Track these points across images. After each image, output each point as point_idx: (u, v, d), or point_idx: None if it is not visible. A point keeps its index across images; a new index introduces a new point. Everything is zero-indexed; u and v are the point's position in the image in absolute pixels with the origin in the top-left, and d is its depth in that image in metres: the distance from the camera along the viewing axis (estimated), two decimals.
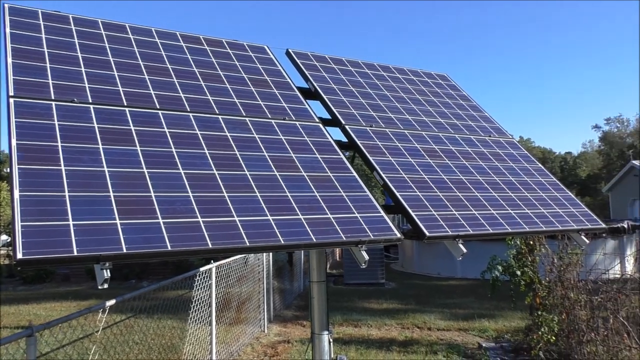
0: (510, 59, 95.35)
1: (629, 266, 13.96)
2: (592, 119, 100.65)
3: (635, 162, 32.97)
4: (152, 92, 2.97)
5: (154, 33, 3.55)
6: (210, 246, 2.21)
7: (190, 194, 2.41)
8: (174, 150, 2.63)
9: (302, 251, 12.25)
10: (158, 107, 2.88)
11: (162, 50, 3.41)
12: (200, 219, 2.30)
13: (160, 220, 2.21)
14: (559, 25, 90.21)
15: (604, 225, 3.79)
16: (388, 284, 14.49)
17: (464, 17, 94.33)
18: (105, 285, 2.00)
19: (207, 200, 2.42)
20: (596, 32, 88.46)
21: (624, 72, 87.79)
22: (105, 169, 2.32)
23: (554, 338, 6.56)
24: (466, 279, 14.96)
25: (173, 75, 3.21)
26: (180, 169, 2.54)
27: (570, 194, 3.98)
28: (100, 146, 2.43)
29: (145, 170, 2.42)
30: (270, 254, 9.80)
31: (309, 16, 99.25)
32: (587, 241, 3.67)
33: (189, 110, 2.97)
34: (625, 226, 15.69)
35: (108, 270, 1.98)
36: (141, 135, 2.62)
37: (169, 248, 2.10)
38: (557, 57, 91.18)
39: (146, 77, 3.07)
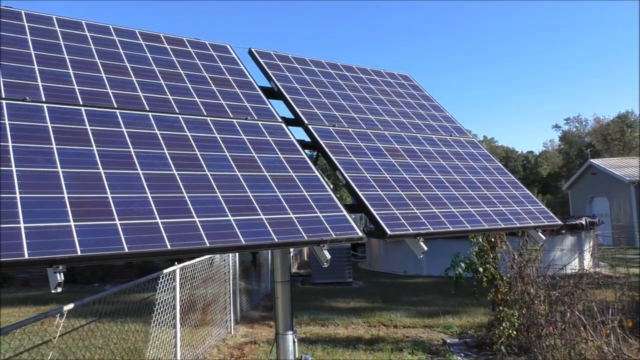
0: (475, 61, 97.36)
1: (587, 261, 14.46)
2: (553, 119, 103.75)
3: (593, 161, 34.15)
4: (109, 90, 2.91)
5: (112, 30, 3.47)
6: (169, 247, 2.18)
7: (149, 195, 2.37)
8: (132, 150, 2.58)
9: (269, 251, 12.21)
10: (115, 106, 2.82)
11: (120, 48, 3.34)
12: (158, 220, 2.27)
13: (117, 222, 2.16)
14: (521, 28, 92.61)
15: (559, 222, 3.91)
16: (355, 282, 14.58)
17: (426, 17, 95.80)
18: (59, 289, 1.94)
19: (166, 201, 2.39)
20: (556, 35, 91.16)
21: (581, 73, 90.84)
22: (59, 169, 2.26)
23: (515, 332, 6.73)
24: (432, 277, 15.18)
25: (132, 74, 3.15)
26: (139, 169, 2.49)
27: (527, 191, 4.09)
28: (54, 146, 2.36)
29: (101, 170, 2.37)
30: (237, 254, 9.73)
31: (275, 16, 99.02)
32: (544, 237, 3.78)
33: (148, 109, 2.92)
34: (583, 223, 16.26)
35: (62, 274, 1.93)
36: (97, 135, 2.56)
37: (126, 250, 2.06)
38: (519, 58, 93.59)
39: (103, 75, 3.01)
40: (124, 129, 2.69)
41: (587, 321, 4.85)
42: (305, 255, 22.91)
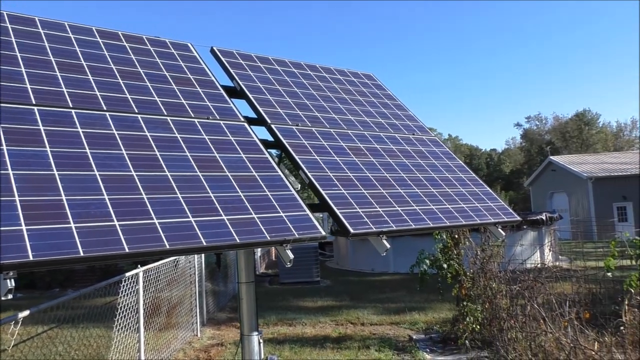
0: (441, 61, 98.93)
1: (547, 255, 14.89)
2: (515, 117, 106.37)
3: (553, 158, 35.20)
4: (64, 89, 2.82)
5: (67, 28, 3.37)
6: (127, 250, 2.13)
7: (106, 197, 2.31)
8: (88, 151, 2.51)
9: (237, 252, 12.10)
10: (71, 105, 2.74)
11: (76, 45, 3.24)
12: (116, 222, 2.21)
13: (72, 225, 2.10)
14: (487, 29, 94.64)
15: (518, 218, 4.00)
16: (323, 281, 14.62)
17: (393, 17, 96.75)
18: (10, 296, 1.88)
19: (124, 202, 2.33)
20: (518, 34, 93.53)
21: (542, 72, 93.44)
22: (10, 172, 2.18)
23: (478, 327, 6.87)
24: (398, 274, 15.37)
25: (88, 73, 3.06)
26: (95, 170, 2.42)
27: (488, 188, 4.18)
28: (5, 147, 2.28)
29: (55, 172, 2.30)
30: (202, 255, 9.62)
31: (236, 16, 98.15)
32: (504, 233, 3.87)
33: (105, 109, 2.85)
34: (543, 218, 16.72)
35: (12, 280, 1.86)
36: (51, 136, 2.48)
37: (81, 254, 2.00)
38: (483, 58, 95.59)
39: (58, 74, 2.91)
40: (79, 129, 2.61)
41: (546, 314, 5.00)
42: (273, 255, 22.84)
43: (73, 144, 2.51)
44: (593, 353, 4.29)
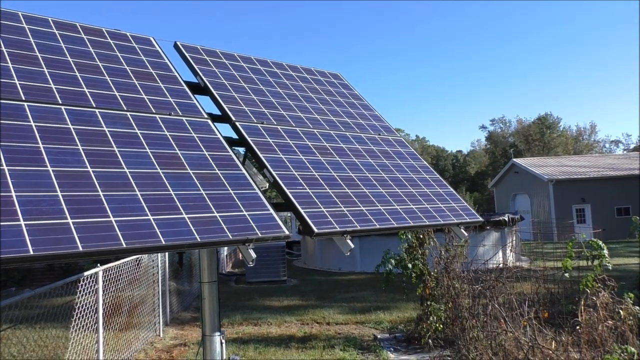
0: (410, 65, 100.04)
1: (509, 255, 15.23)
2: (480, 120, 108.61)
3: (516, 160, 36.05)
4: (16, 82, 2.70)
5: (21, 18, 3.23)
6: (81, 249, 2.05)
7: (60, 193, 2.23)
8: (41, 145, 2.41)
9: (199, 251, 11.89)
10: (24, 98, 2.62)
11: (30, 36, 3.12)
12: (69, 220, 2.13)
13: (22, 222, 2.01)
14: (455, 32, 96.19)
15: (481, 219, 4.06)
16: (290, 281, 14.58)
17: (362, 18, 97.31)
18: None
19: (79, 199, 2.25)
20: (484, 38, 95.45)
21: (507, 75, 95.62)
22: None
23: (441, 326, 6.96)
24: (365, 273, 15.45)
25: (43, 65, 2.94)
26: (49, 166, 2.33)
27: (451, 189, 4.22)
28: None
29: (5, 167, 2.19)
30: (166, 254, 9.45)
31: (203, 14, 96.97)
32: (466, 234, 3.92)
33: (60, 102, 2.75)
34: (506, 219, 17.08)
35: None
36: (1, 130, 2.37)
37: (31, 252, 1.91)
38: (449, 61, 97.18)
39: (10, 65, 2.79)
40: (32, 123, 2.51)
41: (507, 313, 5.09)
42: (240, 254, 22.65)
43: (25, 138, 2.40)
44: (550, 352, 4.39)
